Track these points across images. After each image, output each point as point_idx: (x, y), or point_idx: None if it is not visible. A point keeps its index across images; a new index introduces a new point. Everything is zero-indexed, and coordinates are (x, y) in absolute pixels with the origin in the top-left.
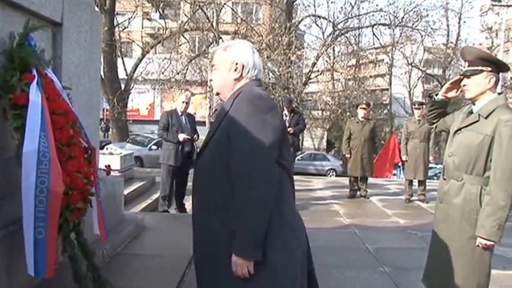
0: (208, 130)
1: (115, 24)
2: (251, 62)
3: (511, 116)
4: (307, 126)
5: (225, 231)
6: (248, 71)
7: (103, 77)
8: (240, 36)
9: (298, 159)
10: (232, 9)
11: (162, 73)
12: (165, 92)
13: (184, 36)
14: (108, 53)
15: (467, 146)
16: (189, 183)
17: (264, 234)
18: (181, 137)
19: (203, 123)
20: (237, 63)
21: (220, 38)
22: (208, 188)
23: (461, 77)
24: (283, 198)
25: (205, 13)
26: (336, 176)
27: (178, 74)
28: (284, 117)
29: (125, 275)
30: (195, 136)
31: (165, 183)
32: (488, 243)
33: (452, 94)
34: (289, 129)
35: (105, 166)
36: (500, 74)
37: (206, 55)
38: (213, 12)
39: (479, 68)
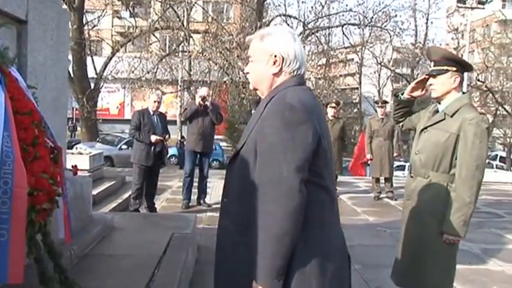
0: (242, 135)
1: (84, 22)
2: (292, 54)
3: (475, 115)
4: None
5: (245, 266)
6: (289, 64)
7: (72, 75)
8: (210, 35)
9: None
10: (203, 8)
11: (132, 72)
12: (136, 91)
13: (154, 35)
14: (78, 52)
15: (434, 144)
16: (161, 183)
17: (285, 265)
18: (154, 138)
19: (174, 122)
20: (275, 56)
21: (191, 37)
22: (236, 207)
23: (427, 76)
24: (322, 224)
25: (175, 12)
26: None
27: (148, 73)
28: None
29: (97, 275)
30: (167, 136)
31: (136, 183)
32: (455, 238)
33: (417, 93)
34: None
35: (72, 166)
36: (466, 73)
37: (177, 54)
38: (183, 10)
39: (445, 67)
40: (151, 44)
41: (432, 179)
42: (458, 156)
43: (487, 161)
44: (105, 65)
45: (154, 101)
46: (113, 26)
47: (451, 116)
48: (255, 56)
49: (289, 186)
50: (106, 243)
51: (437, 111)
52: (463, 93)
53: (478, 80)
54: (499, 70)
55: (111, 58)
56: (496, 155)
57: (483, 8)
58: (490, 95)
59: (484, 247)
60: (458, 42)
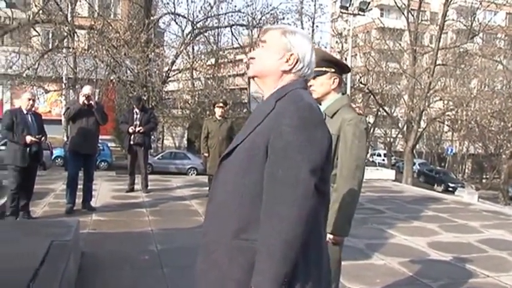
0: (237, 134)
1: None
2: (307, 59)
3: (354, 115)
4: (167, 125)
5: (240, 272)
6: (301, 68)
7: None
8: (96, 31)
9: (158, 159)
10: (89, 3)
11: (10, 67)
12: (15, 89)
13: (35, 29)
14: None
15: None
16: (44, 186)
17: (291, 272)
18: (29, 139)
19: (59, 122)
20: (292, 54)
21: (75, 32)
22: (231, 209)
23: None
24: (320, 232)
25: (58, 5)
26: (197, 174)
27: (29, 69)
28: (134, 115)
29: None
30: (43, 138)
31: (13, 186)
32: (339, 238)
33: None
34: (139, 128)
35: None
36: (349, 76)
37: (60, 50)
38: (67, 4)
39: (324, 69)
40: (31, 38)
41: None
42: (338, 156)
43: (371, 159)
44: None
45: (28, 99)
46: None
47: (331, 117)
48: (270, 45)
49: (305, 189)
50: None
51: None
52: (343, 94)
53: (361, 83)
54: (379, 73)
55: None
56: (379, 154)
57: (364, 15)
58: (372, 96)
59: (368, 242)
60: (342, 46)
